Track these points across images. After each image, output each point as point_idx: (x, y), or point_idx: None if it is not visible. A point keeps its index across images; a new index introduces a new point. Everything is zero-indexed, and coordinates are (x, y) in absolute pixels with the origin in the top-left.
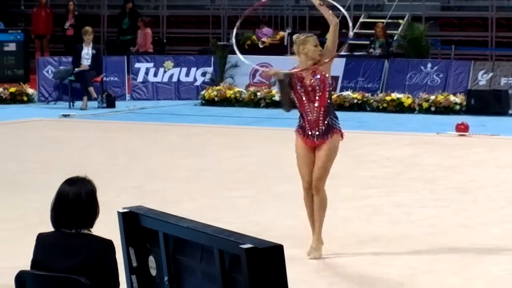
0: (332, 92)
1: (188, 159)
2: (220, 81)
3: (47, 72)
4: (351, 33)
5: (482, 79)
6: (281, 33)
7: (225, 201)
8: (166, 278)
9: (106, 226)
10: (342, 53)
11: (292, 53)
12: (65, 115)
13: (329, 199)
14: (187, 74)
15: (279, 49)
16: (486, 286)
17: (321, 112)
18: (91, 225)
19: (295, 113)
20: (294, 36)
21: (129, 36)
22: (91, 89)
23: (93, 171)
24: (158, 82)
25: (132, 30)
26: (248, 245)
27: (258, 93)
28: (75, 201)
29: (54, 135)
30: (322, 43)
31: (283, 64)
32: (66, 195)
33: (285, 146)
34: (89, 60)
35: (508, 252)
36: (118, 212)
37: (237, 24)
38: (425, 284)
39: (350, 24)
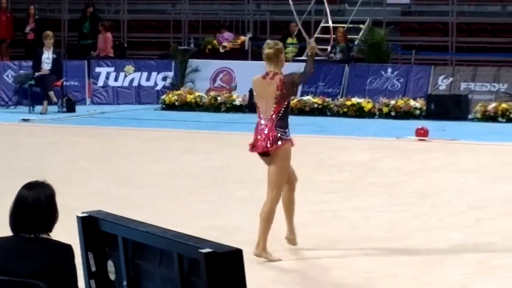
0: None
1: (148, 164)
2: (181, 85)
3: (7, 76)
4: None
5: (442, 84)
6: (242, 38)
7: (186, 206)
8: (125, 283)
9: (65, 231)
10: (303, 57)
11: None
12: (25, 120)
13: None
14: (148, 79)
15: (240, 53)
16: None
17: None
18: (50, 230)
19: (256, 118)
20: (273, 42)
21: (90, 41)
22: (51, 93)
23: (52, 176)
24: (118, 87)
25: (92, 34)
26: (207, 250)
27: (219, 98)
28: (34, 205)
29: (13, 139)
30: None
31: (244, 69)
32: (25, 199)
33: (246, 150)
34: (50, 65)
35: (467, 256)
36: (78, 217)
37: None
38: (388, 284)
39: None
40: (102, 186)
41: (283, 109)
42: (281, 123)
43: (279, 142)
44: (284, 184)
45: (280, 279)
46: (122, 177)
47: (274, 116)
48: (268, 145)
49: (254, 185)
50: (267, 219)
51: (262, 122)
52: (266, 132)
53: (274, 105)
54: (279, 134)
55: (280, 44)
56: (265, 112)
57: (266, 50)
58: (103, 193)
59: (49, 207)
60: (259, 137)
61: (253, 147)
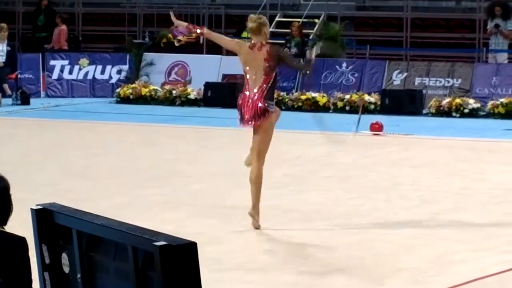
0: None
1: (103, 157)
2: (136, 79)
3: None
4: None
5: (397, 79)
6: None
7: (140, 199)
8: (79, 276)
9: (19, 224)
10: None
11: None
12: None
13: (240, 199)
14: (103, 72)
15: (195, 47)
16: (401, 285)
17: None
18: (4, 223)
19: (212, 112)
20: (255, 16)
21: (44, 33)
22: (6, 86)
23: (6, 168)
24: (73, 80)
25: (47, 27)
26: (162, 242)
27: (174, 91)
28: None
29: None
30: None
31: (199, 63)
32: None
33: (200, 144)
34: (4, 57)
35: (421, 250)
36: (32, 209)
37: None
38: (338, 282)
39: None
40: (57, 179)
41: (272, 79)
42: (270, 94)
43: (266, 114)
44: (267, 150)
45: (235, 273)
46: (76, 170)
47: (264, 85)
48: (255, 121)
49: (208, 178)
50: (258, 182)
51: (250, 93)
52: (253, 103)
53: (263, 76)
54: (266, 105)
55: (263, 18)
56: (254, 82)
57: (250, 24)
58: (58, 186)
59: (3, 200)
60: (245, 107)
61: (241, 120)
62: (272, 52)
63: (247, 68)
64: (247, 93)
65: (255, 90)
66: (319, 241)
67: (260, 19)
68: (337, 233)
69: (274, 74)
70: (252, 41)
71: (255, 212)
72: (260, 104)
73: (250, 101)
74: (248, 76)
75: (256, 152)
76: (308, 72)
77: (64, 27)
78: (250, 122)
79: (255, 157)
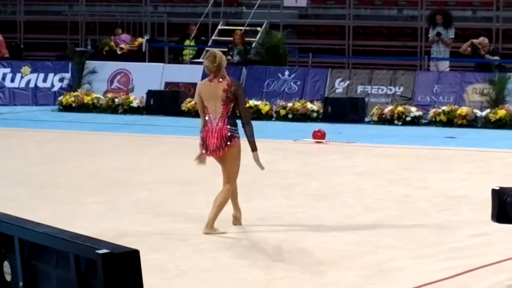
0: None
1: (44, 165)
2: (78, 87)
3: None
4: None
5: (339, 87)
6: (140, 40)
7: (82, 208)
8: (21, 284)
9: None
10: (201, 60)
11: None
12: None
13: (182, 206)
14: (45, 80)
15: (138, 55)
16: None
17: None
18: None
19: (155, 119)
20: (212, 57)
21: None
22: None
23: None
24: (15, 88)
25: None
26: (104, 250)
27: (116, 99)
28: None
29: None
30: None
31: (141, 71)
32: None
33: (143, 152)
34: None
35: (362, 258)
36: None
37: None
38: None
39: None
40: None
41: (231, 109)
42: (231, 121)
43: (232, 140)
44: (237, 175)
45: (177, 280)
46: (17, 179)
47: (225, 114)
48: (223, 149)
49: (151, 186)
50: (220, 206)
51: (213, 121)
52: (217, 131)
53: (222, 106)
54: (229, 133)
55: (219, 55)
56: (215, 112)
57: (208, 65)
58: None
59: None
60: (210, 138)
61: (207, 151)
62: (231, 86)
63: (208, 101)
64: (210, 125)
65: (217, 120)
66: (261, 249)
67: (217, 59)
68: (279, 241)
69: (232, 104)
70: (213, 75)
71: (209, 228)
72: (225, 131)
73: (214, 131)
74: (209, 109)
75: (227, 178)
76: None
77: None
78: (218, 152)
79: (225, 183)
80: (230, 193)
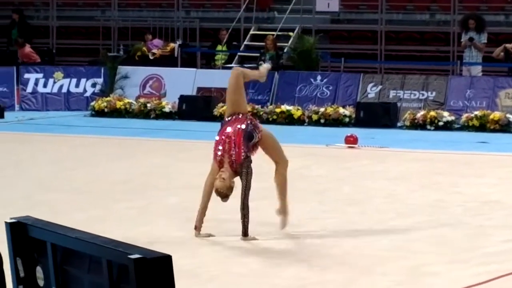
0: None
1: (77, 170)
2: (110, 92)
3: None
4: None
5: (371, 92)
6: (172, 45)
7: (114, 213)
8: None
9: None
10: (233, 65)
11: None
12: None
13: (216, 211)
14: (77, 85)
15: (170, 60)
16: None
17: None
18: None
19: (187, 125)
20: (224, 192)
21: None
22: None
23: None
24: (47, 93)
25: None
26: (136, 256)
27: (148, 104)
28: None
29: None
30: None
31: (173, 76)
32: None
33: (175, 157)
34: None
35: (395, 263)
36: (6, 223)
37: None
38: None
39: None
40: (31, 192)
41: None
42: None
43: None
44: (281, 150)
45: (210, 286)
46: (50, 183)
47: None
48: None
49: (183, 191)
50: (282, 182)
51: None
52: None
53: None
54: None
55: (225, 191)
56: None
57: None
58: (32, 200)
59: None
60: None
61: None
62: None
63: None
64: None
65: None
66: (293, 254)
67: (227, 193)
68: (312, 246)
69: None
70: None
71: (282, 210)
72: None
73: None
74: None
75: (276, 158)
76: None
77: (26, 48)
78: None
79: (277, 163)
80: (286, 168)
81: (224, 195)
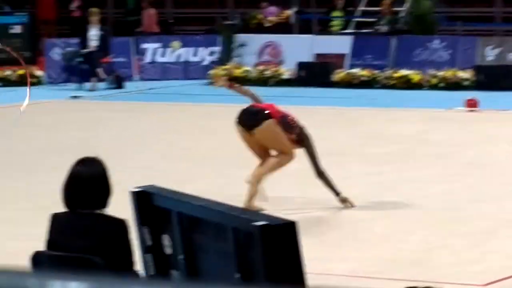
0: None
1: (200, 139)
2: (228, 60)
3: (55, 54)
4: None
5: (490, 55)
6: (287, 12)
7: (239, 180)
8: (181, 257)
9: (117, 206)
10: (350, 30)
11: None
12: (74, 97)
13: (340, 176)
14: (195, 54)
15: (285, 28)
16: (504, 258)
17: None
18: (105, 205)
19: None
20: None
21: (135, 17)
22: (100, 70)
23: (103, 152)
24: (166, 62)
25: (137, 11)
26: (262, 222)
27: (266, 72)
28: (90, 181)
29: (63, 116)
30: (327, 21)
31: (290, 43)
32: (80, 175)
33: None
34: (97, 41)
35: None
36: (131, 192)
37: None
38: (441, 259)
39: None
40: (154, 161)
41: None
42: None
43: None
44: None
45: (337, 250)
46: (173, 153)
47: None
48: None
49: (303, 158)
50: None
51: None
52: None
53: None
54: None
55: None
56: None
57: None
58: (155, 168)
59: (104, 183)
60: None
61: None
62: None
63: None
64: None
65: None
66: (419, 218)
67: None
68: (438, 210)
69: None
70: None
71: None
72: None
73: None
74: None
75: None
76: None
77: (152, 10)
78: None
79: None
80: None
81: None
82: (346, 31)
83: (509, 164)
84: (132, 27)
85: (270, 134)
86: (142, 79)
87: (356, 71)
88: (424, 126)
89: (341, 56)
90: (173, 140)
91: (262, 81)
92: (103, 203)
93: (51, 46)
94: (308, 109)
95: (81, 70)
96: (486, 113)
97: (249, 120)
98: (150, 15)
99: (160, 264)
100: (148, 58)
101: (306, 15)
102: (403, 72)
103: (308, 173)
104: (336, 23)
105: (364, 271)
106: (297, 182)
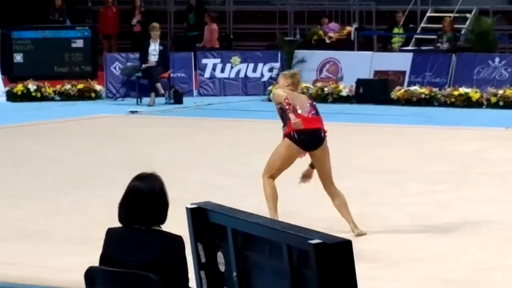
0: None
1: (256, 155)
2: None
3: (115, 68)
4: None
5: None
6: (348, 28)
7: (294, 196)
8: (234, 274)
9: (174, 222)
10: (410, 47)
11: None
12: (132, 112)
13: (396, 195)
14: (254, 70)
15: (346, 44)
16: None
17: None
18: (162, 221)
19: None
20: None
21: (196, 32)
22: (159, 85)
23: (159, 167)
24: (225, 78)
25: (198, 26)
26: (317, 241)
27: (325, 88)
28: (150, 197)
29: (121, 131)
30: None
31: (350, 60)
32: (140, 191)
33: (351, 140)
34: (156, 56)
35: None
36: (187, 208)
37: None
38: (495, 280)
39: None
40: (210, 177)
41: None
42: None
43: None
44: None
45: (391, 270)
46: (229, 169)
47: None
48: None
49: (357, 176)
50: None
51: None
52: None
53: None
54: None
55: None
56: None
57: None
58: (211, 184)
59: (162, 199)
60: None
61: None
62: None
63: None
64: None
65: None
66: (473, 238)
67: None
68: (493, 230)
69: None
70: None
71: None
72: None
73: None
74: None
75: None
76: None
77: (214, 25)
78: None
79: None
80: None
81: None
82: (406, 48)
83: None
84: (193, 42)
85: (327, 153)
86: (201, 94)
87: (415, 88)
88: (483, 145)
89: (401, 73)
90: (230, 155)
91: (321, 98)
92: (160, 219)
93: (111, 61)
94: (366, 126)
95: (140, 85)
96: None
97: (312, 139)
98: (211, 30)
99: (214, 282)
100: (207, 73)
101: (366, 32)
102: (463, 90)
103: (360, 191)
104: (396, 40)
105: None
106: (351, 201)
